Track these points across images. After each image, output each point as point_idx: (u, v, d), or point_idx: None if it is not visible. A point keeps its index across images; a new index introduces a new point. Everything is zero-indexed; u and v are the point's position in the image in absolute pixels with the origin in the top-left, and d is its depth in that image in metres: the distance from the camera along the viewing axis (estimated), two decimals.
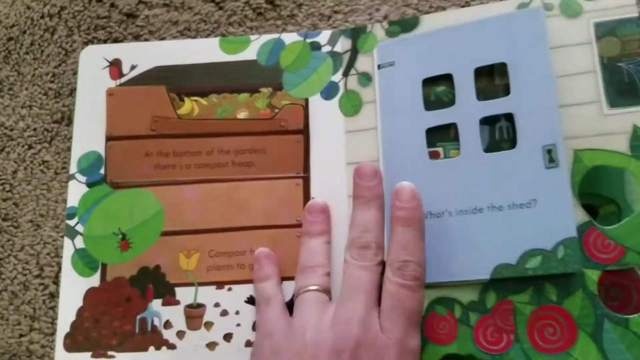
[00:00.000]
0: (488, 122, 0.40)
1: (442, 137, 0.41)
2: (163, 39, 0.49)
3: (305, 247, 0.40)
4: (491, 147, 0.40)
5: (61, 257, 0.44)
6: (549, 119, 0.38)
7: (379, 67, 0.42)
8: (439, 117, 0.40)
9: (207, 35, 0.49)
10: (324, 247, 0.40)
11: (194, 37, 0.49)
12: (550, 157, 0.37)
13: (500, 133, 0.40)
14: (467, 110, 0.40)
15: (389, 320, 0.34)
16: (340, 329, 0.34)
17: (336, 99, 0.44)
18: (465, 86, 0.40)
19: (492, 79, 0.41)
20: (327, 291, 0.37)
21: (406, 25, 0.44)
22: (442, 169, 0.40)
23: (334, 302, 0.36)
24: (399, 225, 0.36)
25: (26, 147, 0.48)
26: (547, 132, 0.37)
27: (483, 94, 0.40)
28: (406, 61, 0.42)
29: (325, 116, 0.43)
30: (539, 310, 0.37)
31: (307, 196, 0.43)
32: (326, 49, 0.45)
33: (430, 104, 0.41)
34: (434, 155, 0.41)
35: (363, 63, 0.44)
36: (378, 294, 0.35)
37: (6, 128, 0.49)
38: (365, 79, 0.43)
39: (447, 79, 0.41)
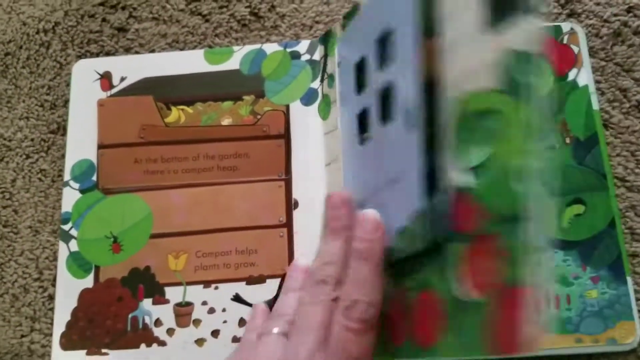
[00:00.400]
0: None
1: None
2: (153, 51, 0.51)
3: (281, 299, 0.38)
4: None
5: None
6: (408, 77, 0.32)
7: (338, 65, 0.44)
8: (361, 100, 0.39)
9: (195, 47, 0.51)
10: (295, 301, 0.36)
11: (182, 49, 0.51)
12: (408, 119, 0.32)
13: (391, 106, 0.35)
14: (371, 89, 0.37)
15: None
16: None
17: (316, 104, 0.46)
18: (373, 63, 0.37)
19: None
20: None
21: (349, 14, 0.43)
22: (363, 153, 0.39)
23: None
24: (356, 259, 0.33)
25: (24, 156, 0.51)
26: (408, 92, 0.32)
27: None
28: (348, 50, 0.42)
29: (305, 121, 0.46)
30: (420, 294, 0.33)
31: (289, 197, 0.45)
32: (305, 57, 0.47)
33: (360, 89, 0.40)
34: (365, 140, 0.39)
35: (331, 65, 0.46)
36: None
37: (5, 139, 0.51)
38: (331, 80, 0.45)
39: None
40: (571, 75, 0.48)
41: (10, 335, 0.47)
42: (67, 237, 0.46)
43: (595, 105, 0.47)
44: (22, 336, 0.47)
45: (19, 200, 0.50)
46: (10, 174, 0.50)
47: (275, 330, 0.34)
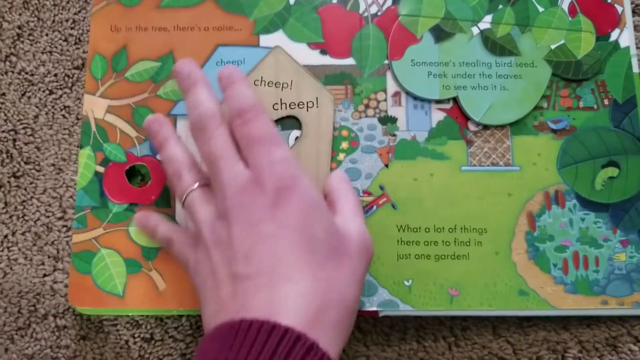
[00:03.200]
0: None
1: None
2: None
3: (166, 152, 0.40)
4: None
5: None
6: None
7: None
8: None
9: None
10: (185, 151, 0.40)
11: None
12: None
13: None
14: None
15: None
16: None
17: None
18: None
19: None
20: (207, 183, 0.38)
21: None
22: None
23: None
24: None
25: (47, 92, 0.49)
26: None
27: None
28: None
29: None
30: None
31: None
32: None
33: None
34: None
35: None
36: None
37: (27, 73, 0.49)
38: None
39: None
40: (613, 35, 0.47)
41: (32, 274, 0.46)
42: None
43: (636, 68, 0.46)
44: (45, 275, 0.46)
45: (42, 137, 0.48)
46: (33, 109, 0.49)
47: (196, 184, 0.38)
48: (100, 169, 0.45)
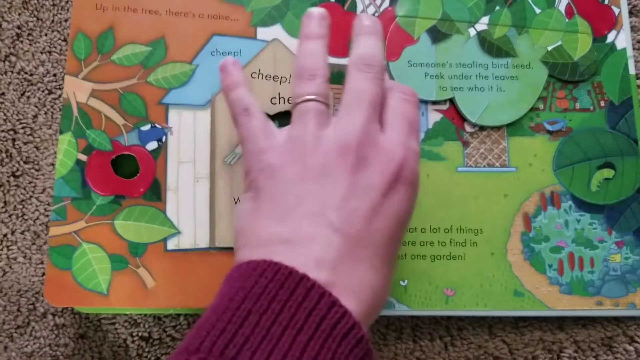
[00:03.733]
0: None
1: None
2: None
3: (302, 49, 0.36)
4: None
5: None
6: None
7: None
8: None
9: None
10: (323, 51, 0.36)
11: None
12: None
13: None
14: None
15: (393, 127, 0.33)
16: (343, 136, 0.32)
17: None
18: None
19: None
20: (326, 102, 0.34)
21: None
22: None
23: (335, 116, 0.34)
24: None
25: (46, 92, 0.49)
26: None
27: None
28: None
29: None
30: None
31: None
32: None
33: None
34: None
35: None
36: (381, 109, 0.34)
37: (26, 73, 0.50)
38: None
39: None
40: (610, 37, 0.47)
41: (32, 273, 0.46)
42: None
43: (632, 70, 0.47)
44: (44, 274, 0.46)
45: (41, 137, 0.49)
46: (32, 109, 0.49)
47: (312, 97, 0.34)
48: (83, 157, 0.43)
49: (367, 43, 0.35)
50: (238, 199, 0.43)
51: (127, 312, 0.44)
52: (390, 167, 0.31)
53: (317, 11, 0.37)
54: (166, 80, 0.45)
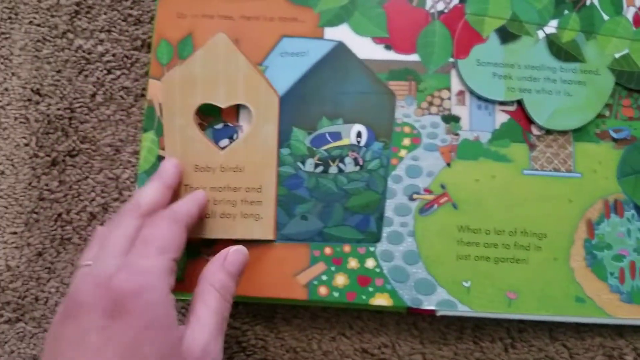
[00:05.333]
0: None
1: None
2: None
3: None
4: None
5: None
6: None
7: None
8: None
9: None
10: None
11: None
12: None
13: None
14: None
15: None
16: None
17: None
18: None
19: None
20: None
21: None
22: None
23: None
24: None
25: (105, 71, 0.49)
26: None
27: None
28: None
29: None
30: None
31: None
32: None
33: None
34: None
35: None
36: None
37: (84, 51, 0.49)
38: None
39: None
40: None
41: None
42: None
43: None
44: None
45: (98, 117, 0.48)
46: (90, 88, 0.48)
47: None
48: (164, 154, 0.44)
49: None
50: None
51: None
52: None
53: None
54: None
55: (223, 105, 0.44)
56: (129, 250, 0.34)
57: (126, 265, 0.33)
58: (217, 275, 0.36)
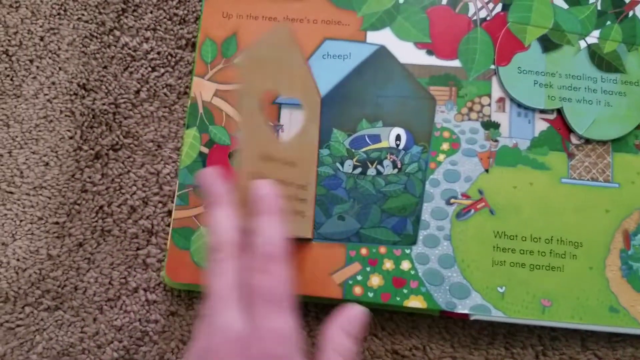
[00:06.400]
0: None
1: None
2: None
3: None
4: None
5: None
6: None
7: None
8: None
9: None
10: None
11: None
12: None
13: None
14: None
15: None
16: None
17: None
18: None
19: None
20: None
21: None
22: None
23: None
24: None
25: (149, 69, 0.50)
26: None
27: None
28: None
29: None
30: None
31: None
32: None
33: None
34: None
35: None
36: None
37: (129, 48, 0.50)
38: None
39: None
40: None
41: (125, 247, 0.46)
42: None
43: None
44: (138, 249, 0.46)
45: (142, 113, 0.49)
46: (135, 84, 0.49)
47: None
48: (205, 150, 0.45)
49: (210, 223, 0.36)
50: None
51: None
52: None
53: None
54: None
55: (285, 94, 0.44)
56: (243, 300, 0.33)
57: (258, 332, 0.32)
58: (341, 341, 0.34)
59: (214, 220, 0.35)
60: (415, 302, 0.42)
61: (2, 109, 0.49)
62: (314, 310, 0.44)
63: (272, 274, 0.33)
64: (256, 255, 0.34)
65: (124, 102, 0.49)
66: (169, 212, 0.46)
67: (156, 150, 0.48)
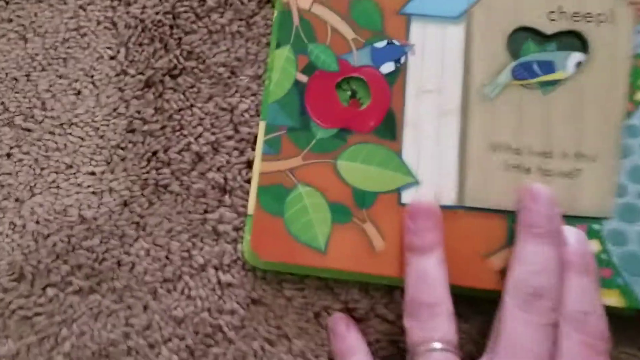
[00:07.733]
0: None
1: None
2: None
3: (414, 271, 0.29)
4: None
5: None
6: None
7: None
8: None
9: None
10: (441, 269, 0.29)
11: None
12: None
13: None
14: None
15: None
16: None
17: None
18: None
19: None
20: (454, 347, 0.28)
21: None
22: None
23: None
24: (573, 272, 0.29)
25: None
26: None
27: None
28: None
29: None
30: None
31: None
32: None
33: None
34: None
35: None
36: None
37: None
38: None
39: None
40: None
41: (189, 208, 0.34)
42: None
43: None
44: (206, 211, 0.34)
45: (208, 27, 0.38)
46: None
47: (439, 345, 0.28)
48: (303, 78, 0.33)
49: (532, 259, 0.29)
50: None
51: (346, 278, 0.32)
52: None
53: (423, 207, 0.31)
54: None
55: (549, 31, 0.33)
56: None
57: None
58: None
59: (539, 255, 0.29)
60: (608, 298, 0.30)
61: (19, 17, 0.36)
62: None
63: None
64: (573, 317, 0.28)
65: (185, 12, 0.36)
66: (248, 163, 0.34)
67: (229, 78, 0.35)
